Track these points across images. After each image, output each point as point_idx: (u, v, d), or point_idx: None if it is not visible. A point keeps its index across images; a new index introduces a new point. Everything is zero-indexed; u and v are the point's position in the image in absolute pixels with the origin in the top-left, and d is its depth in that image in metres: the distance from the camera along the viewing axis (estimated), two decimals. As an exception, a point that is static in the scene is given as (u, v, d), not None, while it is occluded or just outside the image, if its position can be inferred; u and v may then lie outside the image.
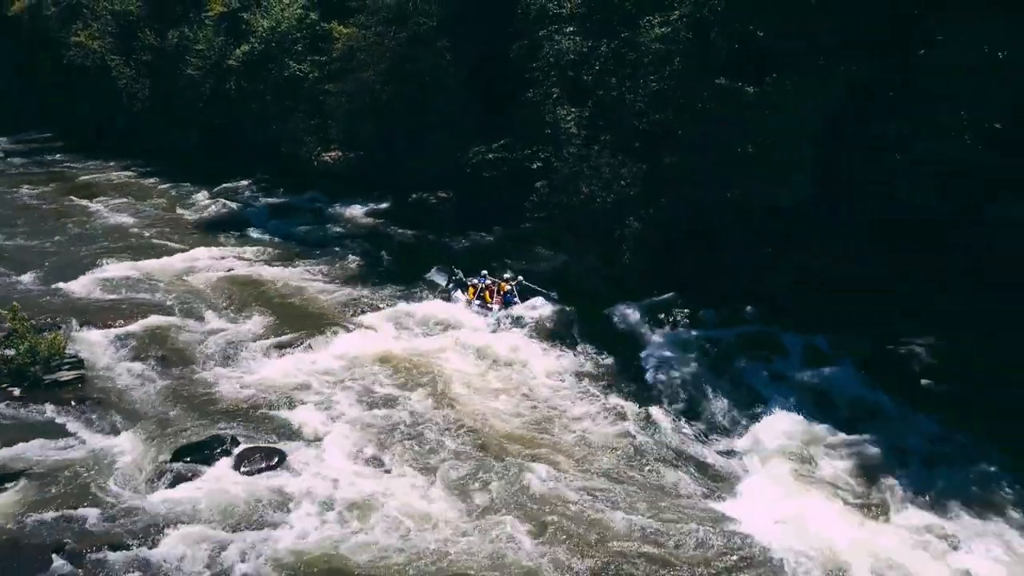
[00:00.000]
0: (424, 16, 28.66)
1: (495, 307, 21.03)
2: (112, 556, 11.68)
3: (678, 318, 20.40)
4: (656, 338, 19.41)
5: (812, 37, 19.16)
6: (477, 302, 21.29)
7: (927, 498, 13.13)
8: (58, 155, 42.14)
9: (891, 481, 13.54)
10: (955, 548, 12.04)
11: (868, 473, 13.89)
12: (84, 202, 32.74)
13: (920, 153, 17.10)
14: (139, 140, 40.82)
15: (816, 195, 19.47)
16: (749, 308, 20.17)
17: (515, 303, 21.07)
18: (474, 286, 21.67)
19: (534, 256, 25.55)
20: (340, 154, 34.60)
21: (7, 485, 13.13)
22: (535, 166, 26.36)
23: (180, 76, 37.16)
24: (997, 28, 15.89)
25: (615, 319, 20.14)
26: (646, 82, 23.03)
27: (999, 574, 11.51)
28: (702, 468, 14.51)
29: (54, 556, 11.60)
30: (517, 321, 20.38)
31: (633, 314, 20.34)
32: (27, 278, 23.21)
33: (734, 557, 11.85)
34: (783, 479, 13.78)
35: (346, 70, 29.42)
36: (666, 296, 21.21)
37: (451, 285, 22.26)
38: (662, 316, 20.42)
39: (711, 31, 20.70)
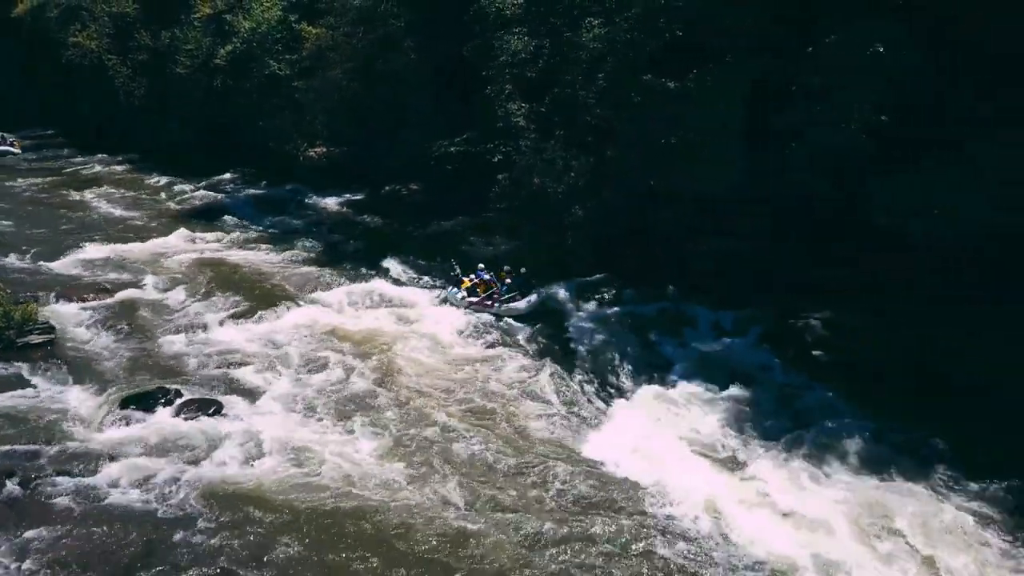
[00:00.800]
0: (393, 18, 30.43)
1: (495, 303, 21.03)
2: (57, 480, 13.44)
3: (606, 296, 22.08)
4: (582, 313, 21.10)
5: (732, 37, 20.86)
6: (471, 298, 21.31)
7: (780, 446, 14.66)
8: (59, 151, 44.21)
9: (751, 431, 15.13)
10: (793, 487, 13.59)
11: (734, 422, 15.48)
12: (78, 194, 34.66)
13: (813, 144, 18.73)
14: (136, 137, 42.73)
15: (738, 184, 21.03)
16: (671, 288, 21.73)
17: (516, 297, 21.07)
18: (469, 279, 21.74)
19: (494, 243, 27.16)
20: (325, 150, 36.55)
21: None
22: (496, 159, 27.95)
23: (172, 75, 39.12)
24: (878, 28, 17.50)
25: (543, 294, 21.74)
26: (594, 80, 24.68)
27: (830, 513, 12.99)
28: (594, 416, 16.20)
29: (7, 481, 13.32)
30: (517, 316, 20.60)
31: (564, 292, 21.97)
32: (14, 258, 25.08)
33: (592, 480, 13.53)
34: (655, 425, 15.45)
35: (315, 68, 31.20)
36: (599, 276, 22.91)
37: (449, 285, 22.22)
38: (591, 294, 22.08)
39: (634, 32, 22.36)
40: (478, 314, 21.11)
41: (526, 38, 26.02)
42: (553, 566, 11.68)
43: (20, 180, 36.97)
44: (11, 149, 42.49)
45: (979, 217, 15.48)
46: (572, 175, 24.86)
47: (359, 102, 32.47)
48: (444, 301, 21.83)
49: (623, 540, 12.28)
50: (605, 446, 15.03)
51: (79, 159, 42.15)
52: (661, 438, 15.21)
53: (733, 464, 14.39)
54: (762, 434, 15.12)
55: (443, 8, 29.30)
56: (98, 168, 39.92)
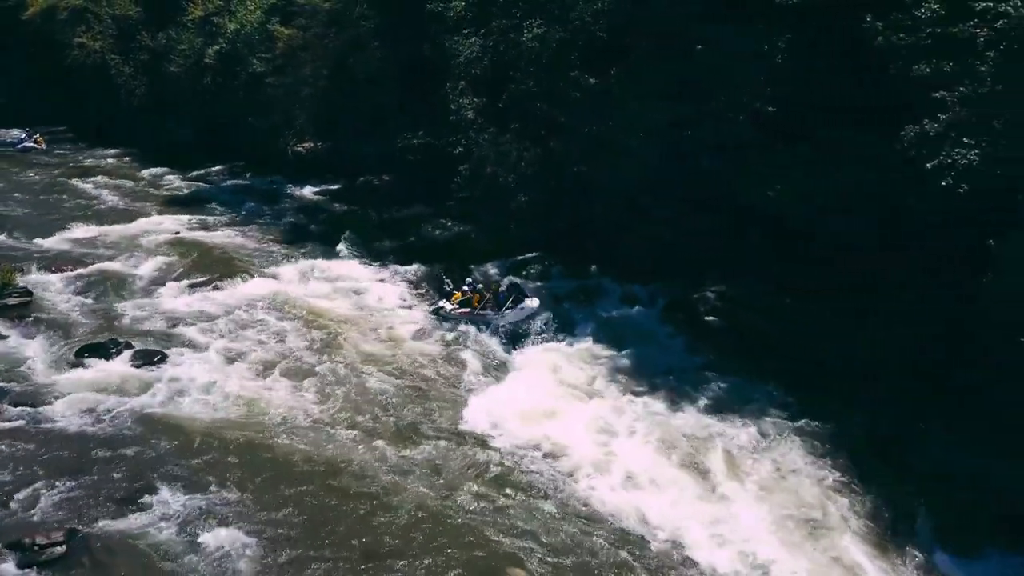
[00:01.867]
0: (363, 20, 32.77)
1: (491, 314, 20.63)
2: (12, 411, 15.71)
3: (534, 271, 24.19)
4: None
5: (647, 39, 22.97)
6: (462, 309, 20.99)
7: (646, 389, 16.72)
8: (63, 147, 46.74)
9: (625, 377, 17.30)
10: (643, 420, 15.65)
11: (615, 374, 17.54)
12: (76, 182, 37.09)
13: (707, 132, 20.75)
14: (136, 133, 45.14)
15: (655, 172, 23.07)
16: (594, 267, 23.81)
17: (509, 308, 20.64)
18: (462, 291, 21.45)
19: (447, 227, 29.31)
20: (311, 145, 38.86)
21: (-54, 366, 17.29)
22: (457, 151, 30.15)
23: (167, 74, 41.73)
24: (759, 31, 19.49)
25: (479, 272, 23.86)
26: (537, 77, 26.87)
27: (667, 435, 15.05)
28: (497, 368, 18.50)
29: (-31, 410, 15.63)
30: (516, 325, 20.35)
31: (496, 269, 24.10)
32: (5, 236, 27.53)
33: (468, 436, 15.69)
34: (547, 373, 17.59)
35: (287, 66, 33.61)
36: (533, 255, 25.05)
37: (440, 298, 21.85)
38: (523, 270, 24.25)
39: (567, 33, 24.53)
40: (413, 287, 23.23)
41: (474, 39, 28.18)
42: (442, 480, 13.80)
43: (24, 171, 39.55)
44: (36, 146, 44.32)
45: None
46: (523, 165, 27.03)
47: (332, 100, 34.82)
48: (435, 313, 21.31)
49: (494, 460, 14.36)
50: (501, 390, 17.26)
51: (81, 154, 44.64)
52: (546, 384, 17.33)
53: (589, 394, 16.61)
54: (635, 380, 17.18)
55: (407, 11, 31.56)
56: (97, 161, 42.32)
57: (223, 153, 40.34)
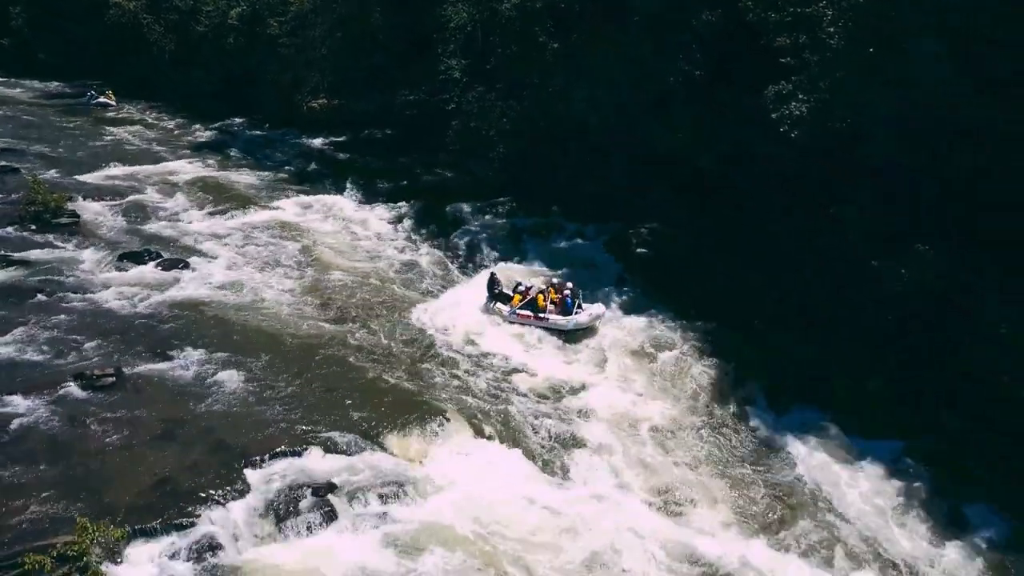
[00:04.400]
0: (367, -14, 36.66)
1: (560, 320, 19.89)
2: (70, 295, 20.12)
3: (500, 211, 28.25)
4: (476, 221, 27.35)
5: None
6: (521, 311, 20.27)
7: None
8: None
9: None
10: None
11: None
12: (112, 129, 41.45)
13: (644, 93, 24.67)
14: (166, 88, 49.36)
15: (603, 127, 27.03)
16: (555, 207, 27.83)
17: (579, 310, 20.03)
18: (521, 293, 20.63)
19: (436, 174, 33.36)
20: (323, 101, 42.99)
21: (16, 263, 21.74)
22: (449, 107, 34.11)
23: (195, 33, 45.90)
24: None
25: (451, 209, 28.03)
26: (516, 41, 30.76)
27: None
28: (452, 280, 22.67)
29: (37, 295, 20.02)
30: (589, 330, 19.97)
31: (468, 208, 28.22)
32: (54, 171, 31.91)
33: (427, 324, 19.93)
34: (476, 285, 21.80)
35: (299, 28, 37.64)
36: (502, 199, 29.06)
37: (491, 300, 20.93)
38: (490, 210, 28.32)
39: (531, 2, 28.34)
40: (393, 225, 27.36)
41: (460, 7, 32.05)
42: (391, 348, 18.14)
43: (68, 119, 44.01)
44: (108, 101, 47.47)
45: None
46: (504, 120, 31.04)
47: (340, 61, 38.84)
48: (487, 311, 20.79)
49: (423, 348, 18.70)
50: (455, 294, 21.70)
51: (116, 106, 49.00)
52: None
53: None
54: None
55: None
56: (131, 113, 46.73)
57: (243, 107, 44.50)
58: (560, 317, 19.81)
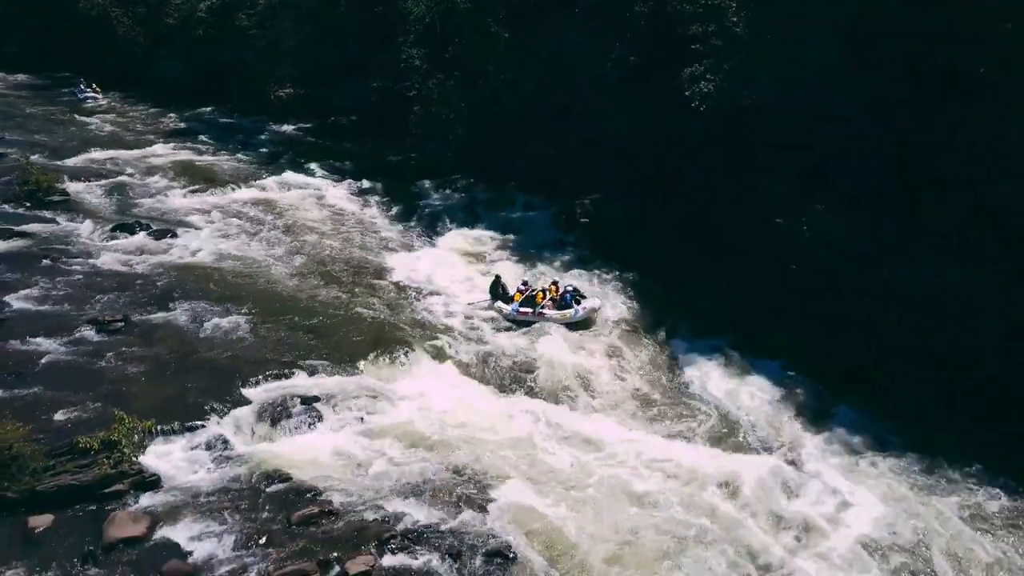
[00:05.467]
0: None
1: (555, 314, 20.70)
2: (72, 260, 22.54)
3: (459, 187, 31.11)
4: (435, 196, 30.23)
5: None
6: (523, 308, 21.00)
7: (518, 257, 23.89)
8: (67, 89, 52.78)
9: (514, 254, 24.51)
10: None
11: (506, 251, 24.77)
12: (87, 119, 43.46)
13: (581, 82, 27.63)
14: (136, 79, 51.21)
15: (549, 112, 29.96)
16: (512, 183, 30.75)
17: (575, 308, 20.75)
18: (520, 291, 21.56)
19: (399, 154, 36.02)
20: (291, 91, 45.40)
21: (18, 235, 24.08)
22: (411, 94, 36.80)
23: (164, 26, 47.88)
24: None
25: (413, 185, 30.85)
26: (471, 32, 33.54)
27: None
28: (417, 243, 25.56)
29: (43, 260, 22.41)
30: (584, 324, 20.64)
31: (428, 183, 31.09)
32: (39, 156, 33.91)
33: (393, 281, 22.78)
34: (445, 252, 24.64)
35: (269, 21, 40.04)
36: (459, 175, 31.93)
37: (494, 300, 21.71)
38: (449, 186, 31.16)
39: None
40: (361, 196, 30.11)
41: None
42: (362, 296, 20.94)
43: (43, 108, 45.79)
44: (96, 95, 48.81)
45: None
46: (462, 105, 33.85)
47: (308, 52, 41.31)
48: (490, 309, 21.59)
49: (391, 296, 21.53)
50: (419, 255, 24.66)
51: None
52: (451, 253, 24.49)
53: (479, 258, 23.84)
54: (518, 253, 24.59)
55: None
56: (104, 101, 48.57)
57: (214, 97, 46.71)
58: (557, 312, 20.79)
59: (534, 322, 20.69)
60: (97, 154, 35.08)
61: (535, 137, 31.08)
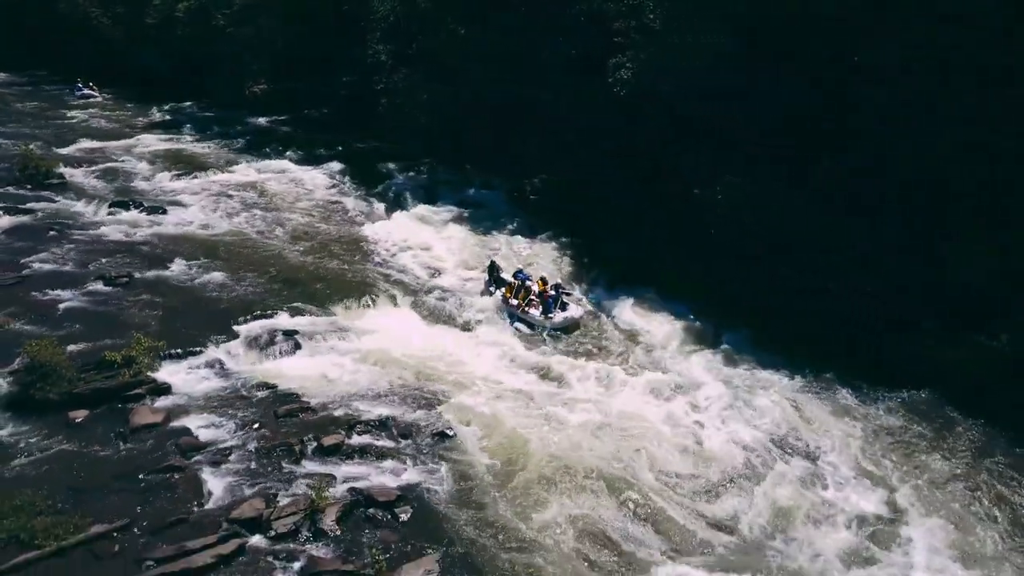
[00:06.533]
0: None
1: (538, 316, 21.02)
2: (75, 231, 25.60)
3: (421, 170, 34.47)
4: (400, 177, 33.53)
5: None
6: (512, 300, 21.56)
7: (471, 227, 27.30)
8: (53, 88, 55.31)
9: (471, 225, 27.82)
10: (453, 233, 26.26)
11: (463, 222, 28.10)
12: (73, 113, 46.20)
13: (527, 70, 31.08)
14: (116, 76, 53.90)
15: (502, 102, 33.33)
16: (468, 166, 34.13)
17: (554, 313, 21.09)
18: (510, 286, 22.08)
19: (367, 143, 39.23)
20: (265, 86, 48.41)
21: (24, 211, 27.05)
22: (378, 87, 40.06)
23: (144, 25, 50.64)
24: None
25: (380, 168, 34.18)
26: (433, 29, 36.85)
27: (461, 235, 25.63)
28: (384, 215, 28.85)
29: (50, 231, 25.45)
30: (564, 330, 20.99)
31: (393, 166, 34.46)
32: (36, 146, 36.76)
33: (360, 246, 26.08)
34: (408, 223, 27.98)
35: (244, 20, 43.11)
36: (424, 161, 35.32)
37: (491, 283, 22.77)
38: (413, 169, 34.52)
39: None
40: (335, 185, 33.35)
41: (385, -2, 38.06)
42: (331, 264, 24.21)
43: (31, 104, 48.43)
44: (93, 93, 51.17)
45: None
46: (425, 98, 37.17)
47: (280, 49, 44.38)
48: (485, 293, 22.65)
49: (358, 258, 24.87)
50: (386, 224, 27.89)
51: (68, 93, 53.29)
52: (414, 223, 27.84)
53: (439, 229, 27.18)
54: (474, 225, 27.88)
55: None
56: (100, 99, 51.12)
57: (192, 92, 49.68)
58: (538, 315, 21.10)
59: (516, 317, 21.26)
60: (86, 144, 38.01)
61: (490, 124, 34.49)
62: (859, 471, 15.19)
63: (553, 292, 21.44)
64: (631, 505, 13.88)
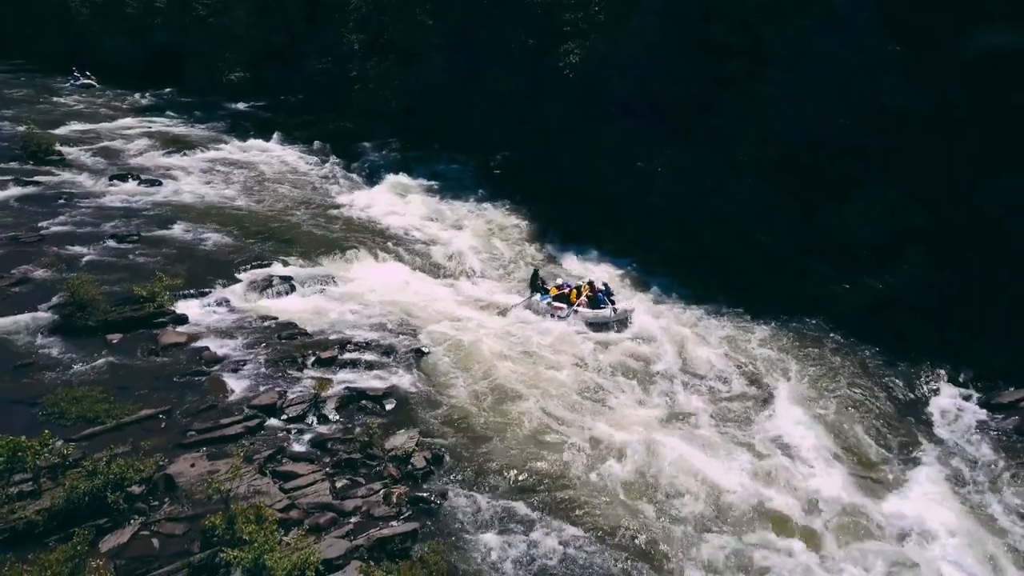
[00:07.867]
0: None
1: (589, 313, 21.47)
2: (80, 200, 28.40)
3: (393, 147, 37.72)
4: (374, 154, 36.75)
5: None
6: (556, 303, 21.91)
7: (448, 201, 30.62)
8: (34, 76, 57.27)
9: (440, 199, 31.11)
10: (435, 209, 29.58)
11: (432, 194, 31.44)
12: (57, 99, 48.51)
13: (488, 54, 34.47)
14: (96, 64, 56.04)
15: (468, 87, 36.62)
16: (436, 144, 37.45)
17: (604, 305, 21.65)
18: (557, 286, 22.53)
19: (341, 125, 42.24)
20: (242, 74, 51.16)
21: (31, 183, 29.75)
22: (352, 74, 43.14)
23: (124, 15, 53.00)
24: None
25: (355, 147, 37.34)
26: (400, 19, 40.02)
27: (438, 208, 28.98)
28: (361, 187, 31.98)
29: (58, 200, 28.22)
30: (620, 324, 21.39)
31: (368, 145, 37.68)
32: (23, 128, 39.20)
33: (342, 212, 29.26)
34: (383, 193, 31.23)
35: (224, 10, 45.87)
36: (393, 140, 38.56)
37: (532, 292, 22.76)
38: (384, 147, 37.74)
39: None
40: (325, 172, 36.43)
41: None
42: (309, 226, 27.38)
43: (19, 91, 50.55)
44: (92, 82, 52.84)
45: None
46: (396, 83, 40.39)
47: (258, 36, 47.22)
48: (528, 307, 22.41)
49: (341, 222, 28.06)
50: (364, 194, 30.95)
51: (52, 80, 55.38)
52: (388, 194, 31.09)
53: (411, 195, 30.47)
54: (442, 197, 31.18)
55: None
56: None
57: (172, 79, 52.24)
58: (591, 311, 21.56)
59: (566, 317, 21.45)
60: (77, 126, 40.57)
61: (456, 107, 37.84)
62: (747, 376, 18.98)
63: (603, 287, 22.11)
64: (559, 400, 17.54)
